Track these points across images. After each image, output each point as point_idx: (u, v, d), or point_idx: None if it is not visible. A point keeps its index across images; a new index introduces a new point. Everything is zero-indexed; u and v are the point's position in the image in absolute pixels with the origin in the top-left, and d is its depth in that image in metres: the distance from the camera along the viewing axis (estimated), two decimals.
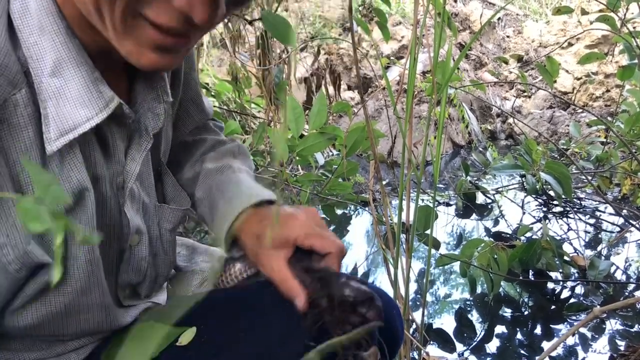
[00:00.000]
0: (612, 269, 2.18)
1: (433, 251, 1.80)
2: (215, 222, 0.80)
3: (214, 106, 2.26)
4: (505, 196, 2.97)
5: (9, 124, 0.54)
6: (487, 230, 2.66)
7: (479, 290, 1.99)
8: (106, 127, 0.63)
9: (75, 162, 0.60)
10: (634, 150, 2.34)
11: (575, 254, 2.25)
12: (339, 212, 2.73)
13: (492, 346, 1.76)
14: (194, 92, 0.88)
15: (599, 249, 2.42)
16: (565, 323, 1.86)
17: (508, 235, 2.53)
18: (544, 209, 2.87)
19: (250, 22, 1.58)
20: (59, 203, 0.39)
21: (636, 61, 1.95)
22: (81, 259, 0.63)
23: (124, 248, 0.71)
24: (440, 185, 3.27)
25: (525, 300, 2.03)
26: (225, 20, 2.34)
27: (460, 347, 1.75)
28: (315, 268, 0.70)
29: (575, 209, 2.81)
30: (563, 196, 2.12)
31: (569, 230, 2.60)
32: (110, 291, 0.71)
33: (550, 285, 2.09)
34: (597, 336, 1.79)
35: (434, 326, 1.85)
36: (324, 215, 2.69)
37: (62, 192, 0.39)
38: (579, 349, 1.74)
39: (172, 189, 0.82)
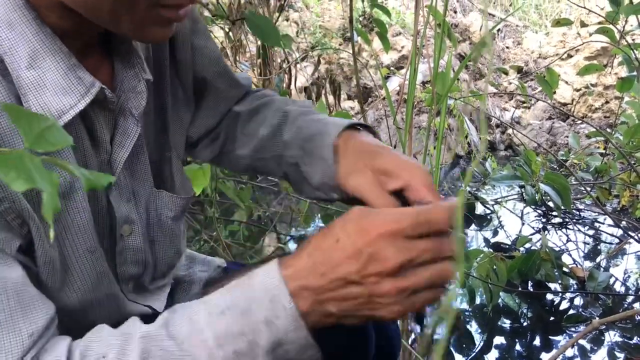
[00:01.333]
0: (611, 280, 2.17)
1: None
2: (314, 149, 0.74)
3: None
4: (504, 207, 2.97)
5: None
6: (486, 240, 2.65)
7: (477, 300, 1.99)
8: (92, 114, 0.62)
9: (65, 154, 0.59)
10: (632, 162, 2.35)
11: (575, 265, 2.24)
12: None
13: (491, 357, 1.75)
14: (218, 67, 0.84)
15: (598, 260, 2.41)
16: (564, 334, 1.86)
17: (507, 246, 2.52)
18: (543, 220, 2.87)
19: (234, 22, 1.56)
20: (59, 146, 0.34)
21: (635, 73, 1.96)
22: (80, 249, 0.62)
23: (116, 239, 0.70)
24: (440, 195, 3.27)
25: (524, 311, 2.03)
26: (227, 30, 2.35)
27: (459, 358, 1.74)
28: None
29: (574, 220, 2.81)
30: (562, 207, 2.12)
31: (568, 241, 2.60)
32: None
33: (549, 296, 2.09)
34: (596, 348, 1.78)
35: (434, 337, 1.84)
36: (322, 224, 2.68)
37: (62, 133, 0.34)
38: None
39: (180, 175, 0.80)
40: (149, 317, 0.80)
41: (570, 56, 4.88)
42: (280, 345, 0.54)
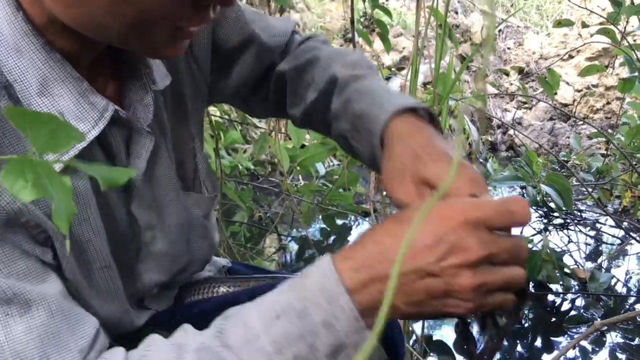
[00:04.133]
0: (613, 281, 2.17)
1: None
2: (362, 129, 0.68)
3: (215, 115, 2.26)
4: None
5: (4, 133, 0.52)
6: None
7: None
8: (107, 132, 0.61)
9: (77, 176, 0.58)
10: (634, 163, 2.34)
11: (576, 267, 2.24)
12: (339, 222, 2.73)
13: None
14: (242, 36, 0.79)
15: (599, 261, 2.41)
16: (566, 336, 1.85)
17: None
18: (545, 221, 2.87)
19: None
20: (72, 143, 0.31)
21: (637, 74, 1.96)
22: (94, 267, 0.61)
23: (140, 247, 0.69)
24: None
25: (526, 312, 2.02)
26: None
27: (460, 359, 1.74)
28: None
29: (575, 221, 2.81)
30: (563, 208, 2.12)
31: (569, 242, 2.60)
32: (130, 294, 0.69)
33: (550, 297, 2.08)
34: (597, 349, 1.78)
35: (434, 337, 1.84)
36: (323, 225, 2.68)
37: (73, 129, 0.30)
38: None
39: (204, 164, 0.78)
40: (156, 316, 0.79)
41: (571, 57, 4.87)
42: (342, 348, 0.50)
